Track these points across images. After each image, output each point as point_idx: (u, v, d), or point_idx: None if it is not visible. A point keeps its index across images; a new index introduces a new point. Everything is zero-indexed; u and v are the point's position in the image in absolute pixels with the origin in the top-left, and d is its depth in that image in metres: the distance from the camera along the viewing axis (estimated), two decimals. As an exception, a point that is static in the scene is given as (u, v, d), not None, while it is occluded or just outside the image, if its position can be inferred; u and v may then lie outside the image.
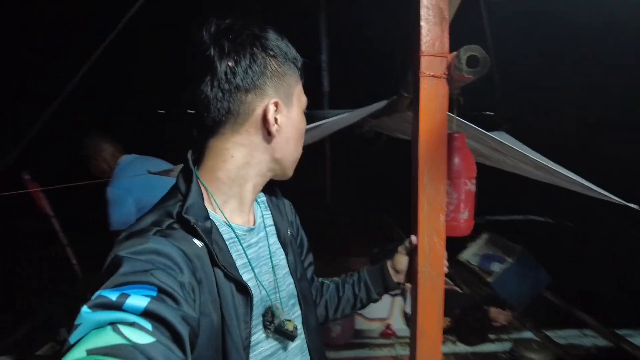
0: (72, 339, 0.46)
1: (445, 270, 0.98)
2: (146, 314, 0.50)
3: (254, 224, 0.82)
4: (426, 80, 0.88)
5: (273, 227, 0.88)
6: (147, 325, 0.49)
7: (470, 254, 3.50)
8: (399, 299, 2.83)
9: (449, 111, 1.09)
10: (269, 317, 0.78)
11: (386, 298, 2.84)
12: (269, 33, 0.73)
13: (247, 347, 0.71)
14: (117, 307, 0.49)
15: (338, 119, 1.65)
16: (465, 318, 2.72)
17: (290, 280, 0.87)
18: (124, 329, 0.46)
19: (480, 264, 3.35)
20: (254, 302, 0.74)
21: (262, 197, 0.91)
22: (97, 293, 0.52)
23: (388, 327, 2.78)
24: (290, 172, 0.84)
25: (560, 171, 1.42)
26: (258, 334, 0.76)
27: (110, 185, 2.09)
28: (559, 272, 3.11)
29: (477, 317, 2.71)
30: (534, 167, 1.57)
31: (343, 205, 4.97)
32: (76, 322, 0.48)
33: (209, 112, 0.71)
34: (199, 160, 0.76)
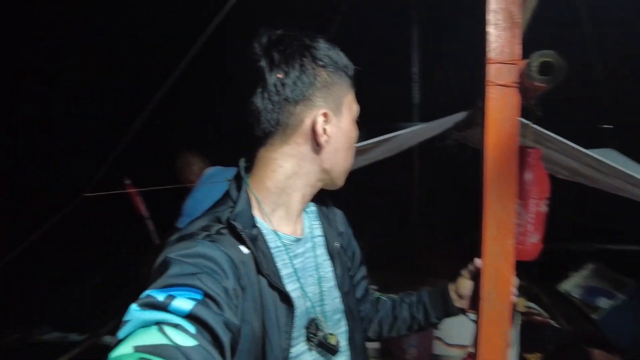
0: (120, 334, 0.50)
1: (514, 298, 0.88)
2: (190, 317, 0.52)
3: (302, 234, 0.82)
4: (494, 89, 0.82)
5: (322, 238, 0.87)
6: (191, 328, 0.51)
7: (572, 285, 3.11)
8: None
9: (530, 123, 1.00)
10: (313, 329, 0.77)
11: (469, 323, 2.64)
12: (319, 43, 0.73)
13: (286, 358, 0.71)
14: (163, 307, 0.51)
15: (415, 131, 1.59)
16: (561, 357, 2.42)
17: (337, 294, 0.85)
18: (168, 329, 0.49)
19: (583, 297, 2.95)
20: (297, 313, 0.73)
21: (312, 207, 0.90)
22: (146, 292, 0.55)
23: (469, 355, 2.57)
24: (340, 182, 0.83)
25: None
26: (299, 346, 0.75)
27: (190, 194, 2.28)
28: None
29: (575, 357, 2.39)
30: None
31: (430, 224, 4.75)
32: (125, 319, 0.51)
33: (259, 123, 0.73)
34: (250, 169, 0.79)
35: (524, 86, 0.80)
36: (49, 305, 3.05)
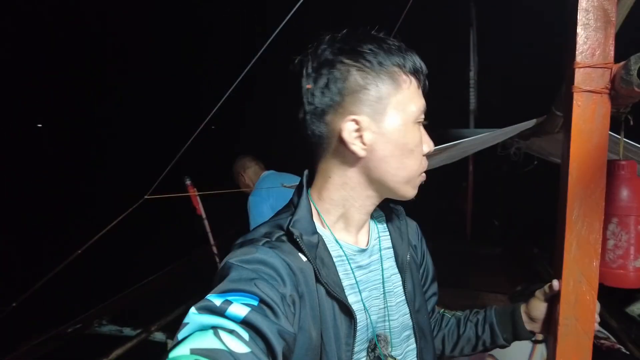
0: (179, 335, 0.50)
1: (596, 326, 0.80)
2: (245, 323, 0.52)
3: (367, 245, 0.79)
4: (581, 96, 0.74)
5: (391, 250, 0.83)
6: (245, 334, 0.51)
7: (642, 308, 2.85)
8: (541, 347, 2.44)
9: (616, 134, 0.91)
10: (372, 346, 0.74)
11: (526, 344, 2.49)
12: (363, 43, 0.68)
13: None
14: (220, 312, 0.52)
15: (480, 138, 1.51)
16: (630, 386, 2.21)
17: (406, 309, 0.81)
18: (224, 335, 0.49)
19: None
20: (359, 326, 0.71)
21: (382, 218, 0.86)
22: (206, 297, 0.55)
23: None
24: (404, 192, 0.74)
25: None
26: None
27: (251, 195, 2.44)
28: None
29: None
30: None
31: (486, 235, 4.55)
32: (185, 321, 0.52)
33: (306, 135, 0.73)
34: (311, 179, 0.78)
35: (617, 92, 0.72)
36: (109, 300, 3.22)
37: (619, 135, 0.87)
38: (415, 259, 0.89)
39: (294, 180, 2.34)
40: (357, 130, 0.68)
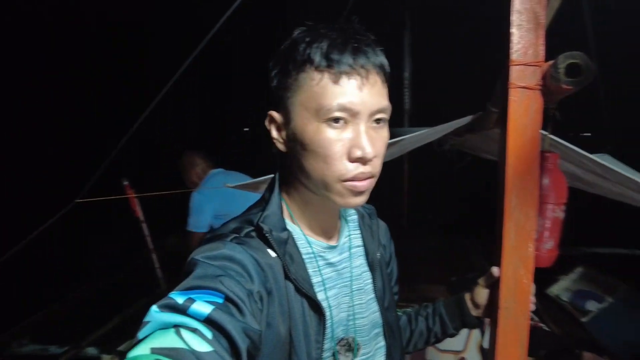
0: (140, 334, 0.49)
1: (532, 307, 0.86)
2: (208, 321, 0.51)
3: (337, 242, 0.78)
4: (517, 92, 0.79)
5: (362, 249, 0.83)
6: (208, 333, 0.49)
7: (561, 289, 3.13)
8: (475, 332, 2.60)
9: (542, 127, 0.97)
10: (341, 343, 0.74)
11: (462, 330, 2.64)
12: (286, 44, 0.67)
13: None
14: (182, 310, 0.51)
15: (417, 136, 1.56)
16: (553, 361, 2.42)
17: (376, 307, 0.82)
18: (185, 333, 0.48)
19: (572, 301, 2.98)
20: (328, 323, 0.71)
21: (354, 216, 0.86)
22: (169, 294, 0.54)
23: (462, 360, 2.57)
24: (332, 199, 0.67)
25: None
26: (332, 358, 0.73)
27: (196, 192, 2.39)
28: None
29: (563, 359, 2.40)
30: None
31: (421, 230, 4.75)
32: (145, 319, 0.51)
33: None
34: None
35: (547, 89, 0.78)
36: (31, 316, 2.92)
37: (547, 129, 0.94)
38: (385, 258, 0.90)
39: (243, 179, 2.32)
40: (272, 124, 0.70)
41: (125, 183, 2.45)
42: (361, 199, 0.67)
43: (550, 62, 0.76)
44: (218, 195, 2.32)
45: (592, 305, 2.82)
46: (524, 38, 0.78)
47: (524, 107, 0.79)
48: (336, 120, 0.62)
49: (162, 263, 2.81)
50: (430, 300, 1.04)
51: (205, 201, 2.36)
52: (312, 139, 0.63)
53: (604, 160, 1.38)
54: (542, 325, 2.86)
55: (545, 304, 3.10)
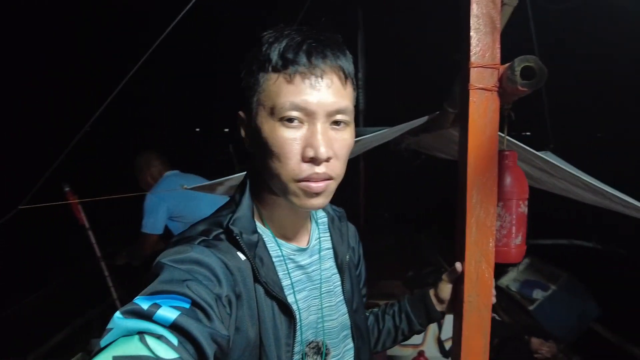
0: (102, 342, 0.47)
1: (493, 300, 0.90)
2: (174, 327, 0.49)
3: (307, 244, 0.77)
4: (476, 93, 0.82)
5: (331, 251, 0.83)
6: (174, 339, 0.48)
7: (510, 279, 3.31)
8: (433, 326, 2.69)
9: (499, 128, 1.02)
10: (311, 346, 0.73)
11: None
12: (257, 45, 0.66)
13: None
14: (147, 316, 0.49)
15: (375, 136, 1.59)
16: (504, 349, 2.55)
17: (344, 309, 0.81)
18: (150, 340, 0.46)
19: (520, 291, 3.16)
20: (298, 326, 0.70)
21: (323, 219, 0.86)
22: (133, 299, 0.52)
23: (421, 354, 2.64)
24: (290, 200, 0.66)
25: (617, 195, 1.31)
26: None
27: (150, 193, 2.32)
28: (610, 303, 2.88)
29: (517, 348, 2.53)
30: (587, 191, 1.46)
31: (378, 227, 4.85)
32: (108, 326, 0.48)
33: None
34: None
35: (504, 90, 0.82)
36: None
37: (503, 128, 0.98)
38: (353, 260, 0.90)
39: (198, 181, 2.26)
40: (241, 124, 0.70)
41: (67, 189, 2.29)
42: (318, 201, 0.65)
43: (507, 65, 0.79)
44: (173, 196, 2.27)
45: (538, 294, 3.00)
46: (481, 41, 0.82)
47: (482, 108, 0.83)
48: (290, 119, 0.62)
49: (110, 271, 2.68)
50: (389, 295, 1.05)
51: (160, 203, 2.30)
52: (268, 137, 0.63)
53: (549, 158, 1.47)
54: (494, 315, 3.00)
55: (496, 295, 3.26)
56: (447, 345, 2.61)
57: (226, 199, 0.82)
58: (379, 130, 1.64)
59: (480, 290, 0.87)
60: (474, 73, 0.82)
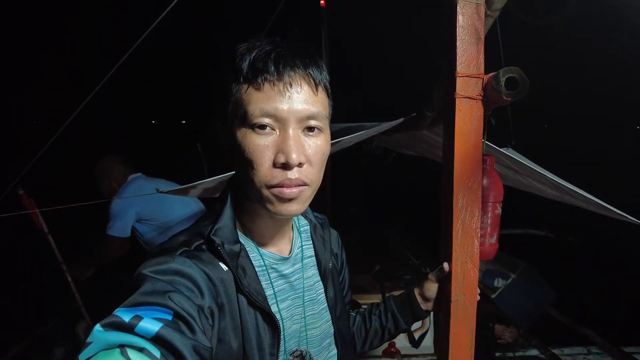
0: (82, 356, 0.46)
1: (478, 297, 0.94)
2: (157, 339, 0.49)
3: (290, 253, 0.78)
4: (461, 101, 0.85)
5: (313, 259, 0.83)
6: (156, 352, 0.48)
7: (472, 270, 3.46)
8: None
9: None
10: (295, 354, 0.74)
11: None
12: (230, 57, 0.67)
13: None
14: (128, 329, 0.49)
15: (353, 137, 1.61)
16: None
17: (328, 317, 0.82)
18: (132, 353, 0.46)
19: (483, 280, 3.31)
20: (283, 335, 0.71)
21: (306, 227, 0.86)
22: (114, 312, 0.51)
23: (392, 345, 2.72)
24: (265, 207, 0.66)
25: (578, 191, 1.41)
26: None
27: (116, 197, 2.26)
28: (564, 288, 3.09)
29: (481, 335, 2.66)
30: (550, 187, 1.55)
31: (345, 221, 4.91)
32: (88, 340, 0.48)
33: None
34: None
35: (487, 99, 0.85)
36: None
37: (484, 133, 1.03)
38: (336, 267, 0.91)
39: (166, 186, 2.20)
40: (220, 133, 0.71)
41: (21, 192, 2.15)
42: (292, 207, 0.65)
43: (491, 75, 0.83)
44: (142, 200, 2.22)
45: (499, 283, 3.16)
46: (467, 52, 0.85)
47: (468, 116, 0.86)
48: (262, 126, 0.62)
49: (73, 277, 2.56)
50: (358, 288, 1.08)
51: (128, 207, 2.24)
52: (240, 145, 0.64)
53: (511, 154, 1.55)
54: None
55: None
56: (416, 335, 2.71)
57: (196, 199, 0.81)
58: (349, 126, 1.66)
59: (467, 289, 0.91)
60: (459, 82, 0.85)
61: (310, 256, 0.83)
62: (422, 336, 2.71)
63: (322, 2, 4.63)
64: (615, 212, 1.40)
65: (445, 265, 0.93)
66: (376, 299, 2.61)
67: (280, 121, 0.62)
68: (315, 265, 0.83)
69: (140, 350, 0.46)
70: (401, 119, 1.49)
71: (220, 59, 0.69)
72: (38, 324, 2.82)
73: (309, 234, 0.86)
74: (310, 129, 0.65)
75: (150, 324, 0.49)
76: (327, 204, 4.83)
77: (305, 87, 0.63)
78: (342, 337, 0.84)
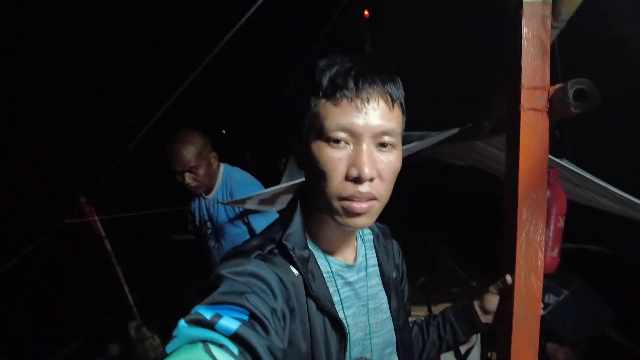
0: (168, 348, 0.50)
1: (541, 312, 0.92)
2: (235, 337, 0.52)
3: (355, 261, 0.80)
4: (527, 114, 0.85)
5: (377, 268, 0.85)
6: (234, 349, 0.50)
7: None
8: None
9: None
10: None
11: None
12: (310, 72, 0.70)
13: None
14: (210, 326, 0.52)
15: (410, 147, 1.60)
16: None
17: (391, 326, 0.84)
18: (214, 349, 0.49)
19: (533, 296, 3.18)
20: (349, 341, 0.72)
21: (369, 236, 0.88)
22: (195, 308, 0.54)
23: (436, 359, 2.66)
24: (334, 219, 0.68)
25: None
26: None
27: (230, 182, 1.95)
28: (624, 308, 2.91)
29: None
30: (612, 200, 1.49)
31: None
32: (173, 333, 0.51)
33: None
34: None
35: (553, 111, 0.85)
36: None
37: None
38: (399, 277, 0.92)
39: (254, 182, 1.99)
40: (295, 144, 0.74)
41: (82, 200, 2.29)
42: (362, 221, 0.67)
43: (557, 86, 0.83)
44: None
45: (550, 299, 3.02)
46: (532, 64, 0.85)
47: (533, 128, 0.86)
48: (337, 140, 0.64)
49: (126, 279, 2.70)
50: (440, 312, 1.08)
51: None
52: (315, 157, 0.66)
53: (570, 166, 1.50)
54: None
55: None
56: (463, 349, 2.63)
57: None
58: (406, 135, 1.67)
59: (530, 302, 0.90)
60: (524, 94, 0.85)
61: (374, 265, 0.85)
62: (469, 351, 2.63)
63: (366, 13, 4.68)
64: None
65: (508, 277, 0.92)
66: (421, 311, 2.57)
67: (355, 136, 0.64)
68: (379, 275, 0.85)
69: (221, 346, 0.49)
70: (456, 129, 1.48)
71: (271, 71, 0.73)
72: (95, 322, 2.99)
73: (372, 243, 0.88)
74: (384, 144, 0.66)
75: (229, 323, 0.52)
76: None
77: (382, 104, 0.65)
78: (405, 347, 0.85)
